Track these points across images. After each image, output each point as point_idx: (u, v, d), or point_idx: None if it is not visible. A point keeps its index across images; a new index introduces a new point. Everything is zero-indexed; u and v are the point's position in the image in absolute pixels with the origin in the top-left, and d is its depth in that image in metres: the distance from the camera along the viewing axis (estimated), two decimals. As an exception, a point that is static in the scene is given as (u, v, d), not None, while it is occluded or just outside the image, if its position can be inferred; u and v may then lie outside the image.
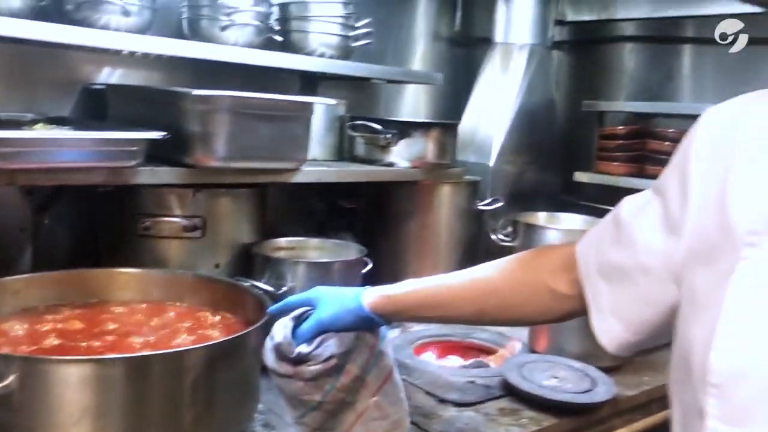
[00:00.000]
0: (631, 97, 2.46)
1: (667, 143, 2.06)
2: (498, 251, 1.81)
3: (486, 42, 2.25)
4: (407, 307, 1.01)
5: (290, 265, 1.43)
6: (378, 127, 1.65)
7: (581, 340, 1.54)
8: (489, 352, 1.71)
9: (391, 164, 1.68)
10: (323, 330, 1.00)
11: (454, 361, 1.67)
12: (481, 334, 1.76)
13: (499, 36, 2.20)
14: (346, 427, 1.01)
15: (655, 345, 0.84)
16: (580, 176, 2.26)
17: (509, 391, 1.39)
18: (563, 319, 0.97)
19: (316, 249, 1.60)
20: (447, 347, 1.73)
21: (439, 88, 2.27)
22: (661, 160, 2.09)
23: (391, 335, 1.67)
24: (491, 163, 2.12)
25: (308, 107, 1.42)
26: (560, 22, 2.56)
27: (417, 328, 1.77)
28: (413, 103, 2.27)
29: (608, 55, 2.52)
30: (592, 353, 1.53)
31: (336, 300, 1.02)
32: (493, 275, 1.00)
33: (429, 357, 1.67)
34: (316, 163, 1.63)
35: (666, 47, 2.43)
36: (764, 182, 0.65)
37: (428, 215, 1.91)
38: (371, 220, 1.97)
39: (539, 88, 2.20)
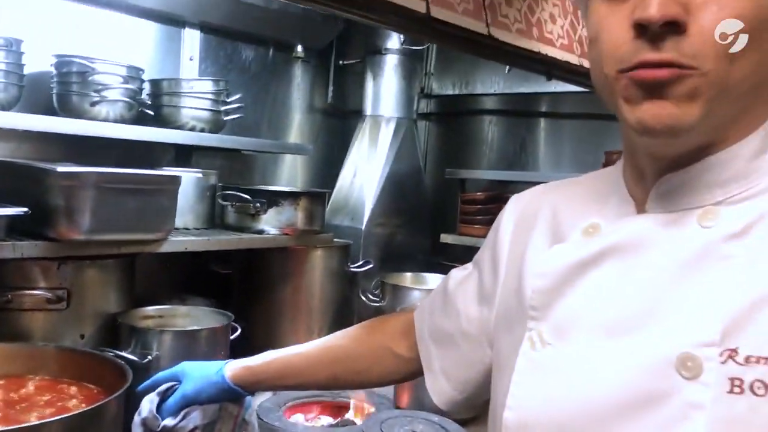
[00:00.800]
0: (491, 165, 2.68)
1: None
2: (370, 311, 1.92)
3: (357, 114, 2.41)
4: (267, 377, 1.08)
5: (155, 334, 1.46)
6: (247, 196, 1.73)
7: (440, 394, 1.66)
8: (357, 410, 1.78)
9: (261, 231, 1.76)
10: (188, 403, 1.06)
11: (325, 420, 1.74)
12: (352, 393, 1.84)
13: (368, 109, 2.37)
14: None
15: (483, 400, 0.89)
16: (446, 238, 2.43)
17: (370, 446, 1.48)
18: (407, 379, 1.07)
19: (184, 317, 1.64)
20: (318, 407, 1.79)
21: (314, 156, 2.40)
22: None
23: (262, 399, 1.72)
24: (363, 226, 2.24)
25: (174, 180, 1.49)
26: (428, 95, 2.78)
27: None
28: (290, 170, 2.38)
29: (471, 126, 2.75)
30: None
31: (200, 374, 1.08)
32: (343, 342, 1.09)
33: (299, 418, 1.73)
34: (186, 232, 1.68)
35: (522, 120, 2.69)
36: (546, 262, 0.74)
37: (301, 279, 2.00)
38: (245, 286, 2.02)
39: (406, 157, 2.37)
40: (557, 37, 1.68)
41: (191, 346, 1.48)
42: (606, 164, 2.23)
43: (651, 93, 0.60)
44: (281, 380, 1.09)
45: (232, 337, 1.61)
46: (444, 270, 2.30)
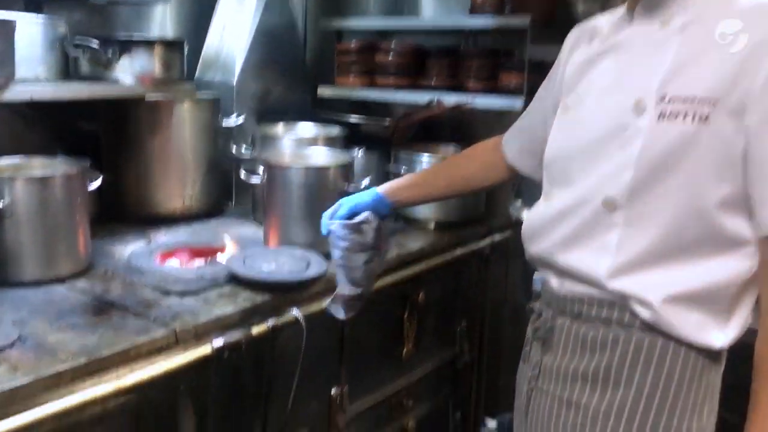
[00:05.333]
0: (378, 13, 2.65)
1: (391, 57, 2.29)
2: (246, 161, 1.95)
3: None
4: (403, 187, 1.53)
5: (5, 182, 1.46)
6: (95, 45, 1.68)
7: (304, 231, 1.74)
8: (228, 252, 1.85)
9: (116, 81, 1.73)
10: (353, 211, 1.47)
11: (197, 263, 1.80)
12: (224, 239, 1.91)
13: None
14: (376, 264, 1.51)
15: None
16: (323, 91, 2.44)
17: (232, 279, 1.56)
18: (506, 180, 1.56)
19: (40, 167, 1.63)
20: (191, 252, 1.85)
21: (186, 8, 2.32)
22: (388, 71, 2.33)
23: (136, 246, 1.76)
24: (234, 80, 2.22)
25: (6, 24, 1.43)
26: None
27: (163, 239, 1.88)
28: (160, 26, 2.30)
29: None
30: (314, 242, 1.74)
31: (358, 195, 1.52)
32: (456, 157, 1.70)
33: (173, 263, 1.79)
34: (35, 83, 1.64)
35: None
36: (574, 59, 1.27)
37: (170, 133, 1.99)
38: (113, 141, 2.01)
39: (278, 7, 2.32)
40: None
41: (45, 193, 1.48)
42: (473, 7, 2.26)
43: None
44: (414, 188, 1.54)
45: (92, 187, 1.62)
46: (322, 122, 2.36)
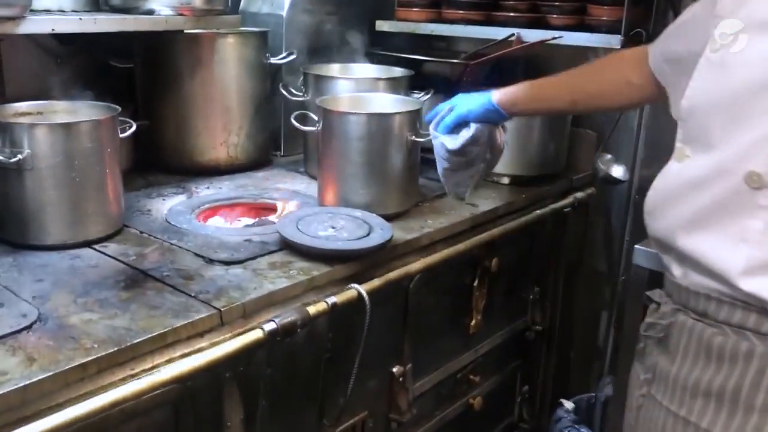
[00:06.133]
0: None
1: (462, -15, 1.99)
2: (295, 107, 1.71)
3: None
4: (522, 98, 1.34)
5: (25, 129, 1.25)
6: (126, -33, 1.44)
7: (365, 189, 1.52)
8: (276, 210, 1.64)
9: (150, 12, 1.49)
10: (460, 119, 1.35)
11: (245, 222, 1.60)
12: (273, 194, 1.69)
13: None
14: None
15: None
16: (381, 25, 2.16)
17: (284, 245, 1.35)
18: (639, 104, 1.44)
19: (65, 113, 1.42)
20: (237, 210, 1.65)
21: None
22: (456, 2, 2.03)
23: (173, 203, 1.57)
24: (284, 12, 1.97)
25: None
26: None
27: (205, 193, 1.67)
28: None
29: None
30: (376, 202, 1.51)
31: (470, 97, 1.35)
32: (584, 73, 1.35)
33: (217, 222, 1.59)
34: (58, 14, 1.41)
35: None
36: None
37: (211, 72, 1.76)
38: (149, 81, 1.79)
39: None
40: None
41: (70, 141, 1.27)
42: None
43: None
44: (533, 102, 1.35)
45: (125, 135, 1.41)
46: (382, 61, 2.09)
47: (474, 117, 1.35)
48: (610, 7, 1.85)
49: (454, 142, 1.36)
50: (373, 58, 2.04)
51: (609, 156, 1.90)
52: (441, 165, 1.42)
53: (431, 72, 2.03)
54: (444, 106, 1.41)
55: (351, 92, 1.72)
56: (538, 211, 1.81)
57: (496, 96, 1.34)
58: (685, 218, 0.94)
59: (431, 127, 1.41)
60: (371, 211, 1.48)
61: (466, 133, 1.35)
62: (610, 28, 1.82)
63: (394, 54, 2.01)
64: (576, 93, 1.33)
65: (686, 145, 0.98)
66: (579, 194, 1.94)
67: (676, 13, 1.91)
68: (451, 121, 1.37)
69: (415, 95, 1.85)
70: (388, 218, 1.47)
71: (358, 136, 1.49)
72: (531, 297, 1.98)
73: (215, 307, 1.10)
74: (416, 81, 1.89)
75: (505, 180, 1.86)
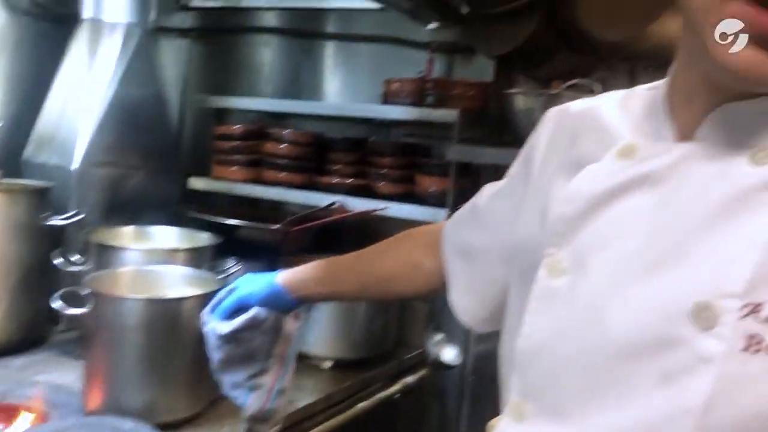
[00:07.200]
0: (268, 94, 2.22)
1: (283, 146, 1.84)
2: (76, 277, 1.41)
3: (73, 18, 1.82)
4: (309, 281, 1.12)
5: None
6: None
7: (142, 392, 1.21)
8: (36, 416, 1.28)
9: None
10: (240, 303, 1.12)
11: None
12: (27, 391, 1.33)
13: (87, 11, 1.78)
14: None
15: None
16: (196, 183, 1.95)
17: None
18: (432, 293, 1.05)
19: None
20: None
21: (14, 73, 1.80)
22: (278, 164, 1.87)
23: None
24: (74, 166, 1.69)
25: None
26: (186, 7, 2.25)
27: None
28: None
29: (241, 46, 2.26)
30: (157, 406, 1.21)
31: (254, 278, 1.14)
32: (374, 253, 1.13)
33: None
34: None
35: (305, 41, 2.23)
36: (575, 186, 0.69)
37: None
38: None
39: (141, 78, 1.83)
40: None
41: None
42: (385, 94, 1.87)
43: (764, 42, 0.53)
44: (321, 286, 1.12)
45: None
46: (190, 224, 1.86)
47: (257, 301, 1.11)
48: (438, 177, 1.76)
49: (227, 326, 1.11)
50: (183, 220, 1.80)
51: (440, 336, 1.74)
52: (213, 358, 1.14)
53: (249, 237, 1.81)
54: (225, 289, 1.18)
55: (140, 264, 1.44)
56: (364, 404, 1.58)
57: (283, 277, 1.12)
58: None
59: (204, 312, 1.16)
60: (151, 417, 1.17)
61: (243, 316, 1.10)
62: (438, 199, 1.73)
63: (206, 217, 1.78)
64: (365, 276, 1.11)
65: (527, 399, 0.69)
66: (409, 378, 1.74)
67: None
68: (230, 305, 1.13)
69: (229, 264, 1.62)
70: (174, 426, 1.17)
71: (134, 325, 1.20)
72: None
73: None
74: (231, 247, 1.66)
75: (327, 364, 1.63)
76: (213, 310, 1.15)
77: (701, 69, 0.61)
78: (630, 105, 0.72)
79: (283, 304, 1.13)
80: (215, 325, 1.12)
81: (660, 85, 0.69)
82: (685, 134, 0.64)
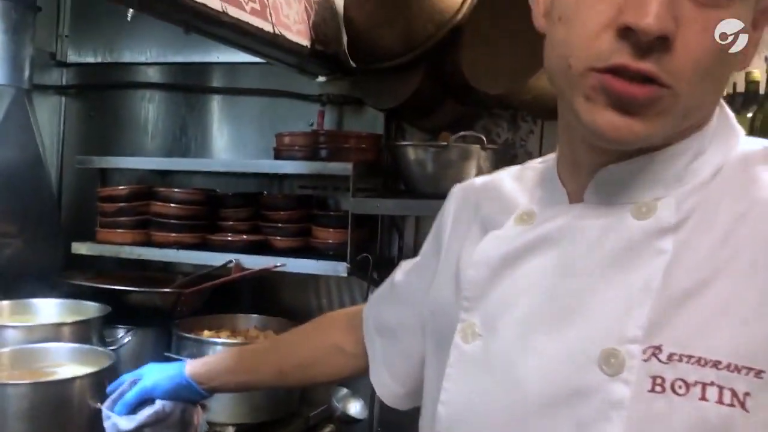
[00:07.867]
0: (151, 152, 2.14)
1: (173, 205, 1.78)
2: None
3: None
4: (220, 371, 1.09)
5: None
6: None
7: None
8: None
9: None
10: (144, 395, 1.08)
11: None
12: None
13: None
14: None
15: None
16: (79, 248, 1.84)
17: None
18: (353, 376, 1.05)
19: None
20: None
21: None
22: (168, 224, 1.81)
23: None
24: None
25: None
26: (62, 63, 2.16)
27: None
28: None
29: (122, 103, 2.18)
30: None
31: (160, 369, 1.11)
32: (291, 338, 1.16)
33: None
34: None
35: (190, 96, 2.18)
36: (480, 252, 0.72)
37: None
38: None
39: (16, 139, 1.73)
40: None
41: None
42: (277, 148, 1.86)
43: (620, 106, 0.57)
44: (233, 375, 1.09)
45: None
46: (74, 293, 1.74)
47: (162, 393, 1.08)
48: (335, 229, 1.76)
49: (129, 422, 1.06)
50: (67, 290, 1.69)
51: (344, 390, 1.71)
52: None
53: (141, 302, 1.72)
54: (127, 378, 1.12)
55: (21, 343, 1.34)
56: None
57: (191, 368, 1.09)
58: None
59: (105, 405, 1.10)
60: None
61: (147, 411, 1.06)
62: (337, 252, 1.72)
63: (92, 284, 1.68)
64: (283, 362, 1.08)
65: None
66: (317, 437, 1.70)
67: (401, 235, 1.90)
68: (133, 398, 1.08)
69: (120, 333, 1.54)
70: None
71: (16, 413, 1.11)
72: None
73: None
74: (122, 315, 1.58)
75: (230, 431, 1.56)
76: (114, 403, 1.09)
77: (579, 132, 0.65)
78: (525, 177, 0.78)
79: (191, 396, 1.09)
80: (117, 421, 1.07)
81: (550, 158, 0.75)
82: (575, 197, 0.69)
